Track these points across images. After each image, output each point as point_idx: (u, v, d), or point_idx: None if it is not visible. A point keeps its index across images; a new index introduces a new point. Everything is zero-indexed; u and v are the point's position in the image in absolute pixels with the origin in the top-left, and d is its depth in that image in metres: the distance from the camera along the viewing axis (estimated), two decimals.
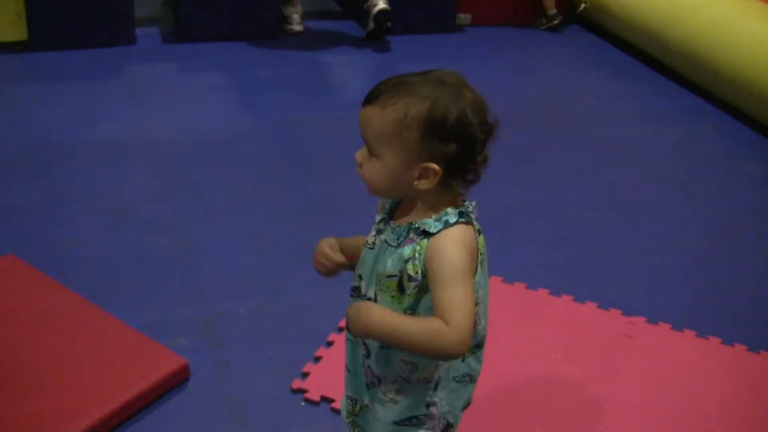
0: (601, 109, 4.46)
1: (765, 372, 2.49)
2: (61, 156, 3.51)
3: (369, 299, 1.53)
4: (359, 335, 1.51)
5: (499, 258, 2.93)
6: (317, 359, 2.41)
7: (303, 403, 2.28)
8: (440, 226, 1.45)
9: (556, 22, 5.49)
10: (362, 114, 1.47)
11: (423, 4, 5.35)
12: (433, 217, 1.47)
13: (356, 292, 1.59)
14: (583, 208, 3.39)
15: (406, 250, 1.47)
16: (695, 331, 2.62)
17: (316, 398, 2.28)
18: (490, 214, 2.87)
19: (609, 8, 5.34)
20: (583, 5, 5.51)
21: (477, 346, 1.61)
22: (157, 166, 3.57)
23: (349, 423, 1.71)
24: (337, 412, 2.16)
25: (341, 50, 5.03)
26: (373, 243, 1.56)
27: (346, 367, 1.68)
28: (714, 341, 2.59)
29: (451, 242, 1.43)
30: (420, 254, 1.45)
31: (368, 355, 1.60)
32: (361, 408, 1.66)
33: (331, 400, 2.24)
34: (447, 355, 1.44)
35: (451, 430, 1.65)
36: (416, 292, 1.47)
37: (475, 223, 1.49)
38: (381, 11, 4.92)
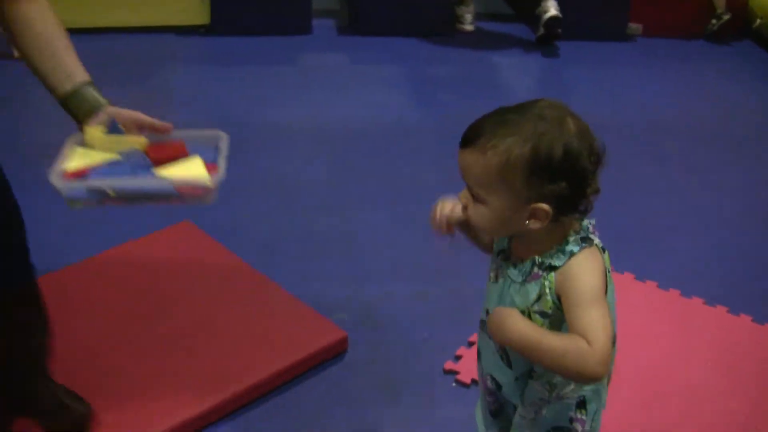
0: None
1: None
2: (236, 135, 3.63)
3: None
4: (498, 341, 1.49)
5: (658, 264, 2.96)
6: (471, 344, 2.47)
7: (454, 384, 2.36)
8: (565, 258, 1.40)
9: (726, 18, 5.36)
10: (462, 158, 1.41)
11: (595, 12, 5.32)
12: (555, 248, 1.42)
13: (484, 327, 1.56)
14: (745, 220, 3.35)
15: (533, 288, 1.43)
16: None
17: (467, 380, 2.35)
18: (654, 219, 2.87)
19: None
20: (759, 20, 5.38)
21: None
22: (326, 151, 3.70)
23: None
24: None
25: (511, 52, 5.07)
26: (496, 277, 1.54)
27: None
28: None
29: (581, 270, 1.39)
30: (551, 288, 1.41)
31: (499, 388, 1.61)
32: None
33: None
34: (586, 375, 1.34)
35: None
36: (549, 325, 1.43)
37: (597, 242, 1.44)
38: (552, 18, 4.94)
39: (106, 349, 2.31)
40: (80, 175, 1.66)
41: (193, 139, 1.83)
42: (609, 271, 1.46)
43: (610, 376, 1.55)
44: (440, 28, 5.22)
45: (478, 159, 1.37)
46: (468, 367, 2.38)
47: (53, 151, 1.76)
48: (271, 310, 2.51)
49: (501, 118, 1.38)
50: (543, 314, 1.43)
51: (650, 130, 4.15)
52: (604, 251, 1.45)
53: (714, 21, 5.40)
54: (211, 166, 1.77)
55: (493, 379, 1.61)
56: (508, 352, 1.54)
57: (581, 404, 1.55)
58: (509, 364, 1.55)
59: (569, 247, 1.41)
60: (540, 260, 1.43)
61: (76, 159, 1.69)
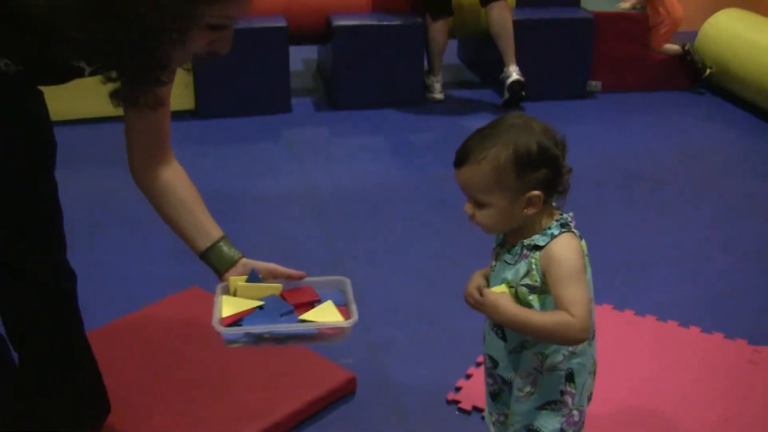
0: (729, 165, 4.69)
1: None
2: (229, 206, 3.89)
3: None
4: (496, 321, 1.78)
5: (634, 294, 3.20)
6: (468, 376, 2.69)
7: (457, 412, 2.56)
8: (547, 239, 1.68)
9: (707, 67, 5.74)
10: (460, 175, 1.71)
11: (555, 73, 5.64)
12: (540, 232, 1.70)
13: None
14: (711, 252, 3.62)
15: (522, 266, 1.71)
16: None
17: (468, 408, 2.55)
18: (628, 255, 3.12)
19: (733, 71, 5.54)
20: (708, 70, 5.72)
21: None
22: (318, 215, 3.93)
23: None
24: None
25: (480, 116, 5.34)
26: (494, 267, 1.82)
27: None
28: None
29: (563, 249, 1.67)
30: (536, 265, 1.69)
31: (495, 366, 1.87)
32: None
33: (482, 410, 2.46)
34: (572, 341, 1.69)
35: (581, 424, 1.86)
36: (536, 297, 1.71)
37: (575, 230, 1.72)
38: (515, 81, 5.22)
39: (136, 398, 2.52)
40: (235, 320, 1.90)
41: (320, 285, 2.07)
42: (586, 255, 1.73)
43: (594, 334, 1.79)
44: (412, 98, 5.48)
45: (475, 171, 1.68)
46: (468, 396, 2.59)
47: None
48: (280, 359, 2.68)
49: (481, 135, 1.71)
50: (530, 287, 1.70)
51: (621, 177, 4.46)
52: (581, 239, 1.74)
53: (709, 69, 5.73)
54: (341, 309, 1.99)
55: (491, 358, 1.87)
56: (503, 327, 1.81)
57: (570, 377, 1.79)
58: (503, 338, 1.83)
59: (551, 231, 1.70)
60: (527, 242, 1.71)
61: (226, 307, 1.93)
